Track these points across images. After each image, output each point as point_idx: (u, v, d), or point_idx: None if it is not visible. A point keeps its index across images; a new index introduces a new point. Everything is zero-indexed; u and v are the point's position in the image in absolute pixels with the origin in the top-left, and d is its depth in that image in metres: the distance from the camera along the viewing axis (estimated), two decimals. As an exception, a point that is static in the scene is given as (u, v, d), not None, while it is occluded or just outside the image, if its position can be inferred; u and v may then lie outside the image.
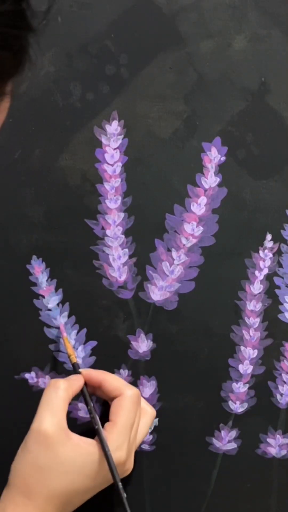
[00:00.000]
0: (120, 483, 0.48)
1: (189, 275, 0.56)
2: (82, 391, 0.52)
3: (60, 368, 0.56)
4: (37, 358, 0.56)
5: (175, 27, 0.55)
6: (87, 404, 0.51)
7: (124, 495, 0.48)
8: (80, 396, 0.52)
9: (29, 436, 0.48)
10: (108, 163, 0.56)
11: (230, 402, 0.56)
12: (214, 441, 0.56)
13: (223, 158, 0.56)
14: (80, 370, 0.53)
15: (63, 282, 0.56)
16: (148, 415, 0.54)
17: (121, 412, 0.50)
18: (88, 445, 0.48)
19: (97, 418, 0.50)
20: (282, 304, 0.56)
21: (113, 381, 0.52)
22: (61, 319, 0.56)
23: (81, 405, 0.56)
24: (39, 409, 0.49)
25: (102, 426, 0.50)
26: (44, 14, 0.33)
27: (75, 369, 0.53)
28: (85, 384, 0.52)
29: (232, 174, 0.56)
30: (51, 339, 0.56)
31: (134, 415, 0.50)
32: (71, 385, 0.51)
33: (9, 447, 0.55)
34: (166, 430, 0.56)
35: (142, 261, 0.56)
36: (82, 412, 0.56)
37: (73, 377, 0.52)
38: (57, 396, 0.49)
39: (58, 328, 0.56)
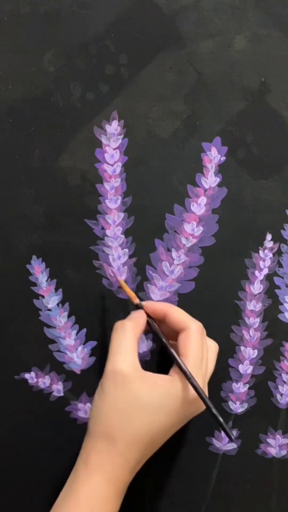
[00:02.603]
0: (212, 406, 0.48)
1: (189, 275, 0.56)
2: (149, 324, 0.51)
3: (60, 368, 0.56)
4: (37, 358, 0.56)
5: (175, 27, 0.55)
6: (159, 335, 0.51)
7: (220, 419, 0.48)
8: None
9: (104, 379, 0.48)
10: (108, 163, 0.56)
11: (230, 402, 0.56)
12: (214, 441, 0.56)
13: (223, 158, 0.56)
14: (142, 303, 0.52)
15: (63, 282, 0.56)
16: (212, 349, 0.53)
17: (190, 345, 0.49)
18: (164, 381, 0.48)
19: (173, 350, 0.49)
20: (282, 304, 0.56)
21: (178, 314, 0.51)
22: (62, 318, 0.56)
23: (80, 405, 0.56)
24: (111, 352, 0.48)
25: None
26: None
27: (137, 306, 0.53)
28: (151, 317, 0.52)
29: (232, 174, 0.56)
30: (51, 339, 0.56)
31: (202, 348, 0.50)
32: (137, 323, 0.50)
33: (9, 447, 0.55)
34: (166, 430, 0.56)
35: (142, 261, 0.56)
36: (82, 412, 0.56)
37: (135, 314, 0.52)
38: (126, 336, 0.49)
39: (55, 327, 0.56)
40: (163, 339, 0.50)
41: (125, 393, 0.47)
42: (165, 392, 0.47)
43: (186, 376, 0.48)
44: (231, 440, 0.47)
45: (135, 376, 0.47)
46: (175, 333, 0.51)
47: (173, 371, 0.49)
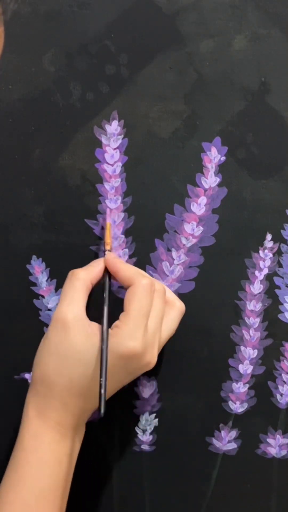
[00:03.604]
0: (104, 377, 0.45)
1: (189, 275, 0.56)
2: (103, 277, 0.51)
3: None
4: (37, 358, 0.56)
5: (175, 27, 0.55)
6: (104, 290, 0.50)
7: (103, 391, 0.45)
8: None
9: (49, 326, 0.49)
10: (108, 163, 0.56)
11: (230, 402, 0.56)
12: (214, 441, 0.56)
13: (223, 158, 0.56)
14: (107, 254, 0.52)
15: (63, 282, 0.56)
16: (175, 309, 0.52)
17: (132, 300, 0.48)
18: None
19: (107, 306, 0.49)
20: (282, 304, 0.56)
21: (127, 270, 0.50)
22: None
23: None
24: (59, 300, 0.49)
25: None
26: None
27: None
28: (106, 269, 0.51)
29: (232, 174, 0.55)
30: (51, 339, 0.56)
31: (147, 303, 0.48)
32: (90, 272, 0.50)
33: (8, 447, 0.55)
34: (166, 430, 0.56)
35: (142, 261, 0.56)
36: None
37: (94, 263, 0.52)
38: (74, 286, 0.49)
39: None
40: (105, 294, 0.50)
41: (64, 340, 0.47)
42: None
43: (102, 340, 0.47)
44: (99, 413, 0.45)
45: (75, 325, 0.47)
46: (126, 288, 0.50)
47: (117, 322, 0.48)
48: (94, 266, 0.51)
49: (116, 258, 0.52)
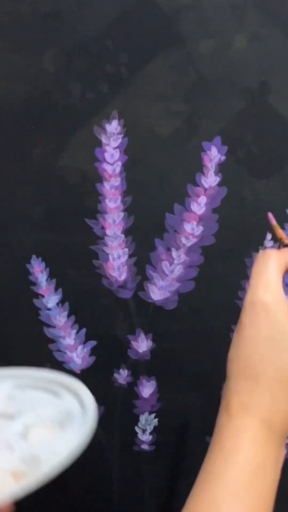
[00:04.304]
0: None
1: (189, 274, 0.56)
2: None
3: (60, 368, 0.56)
4: (36, 357, 0.56)
5: (175, 26, 0.55)
6: None
7: None
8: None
9: (243, 312, 0.42)
10: (108, 162, 0.55)
11: (230, 402, 0.56)
12: (214, 441, 0.56)
13: (223, 158, 0.56)
14: None
15: (62, 281, 0.56)
16: None
17: None
18: None
19: None
20: (282, 303, 0.56)
21: None
22: (61, 318, 0.56)
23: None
24: (251, 283, 0.42)
25: None
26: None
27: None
28: None
29: (232, 174, 0.55)
30: (50, 339, 0.56)
31: None
32: (284, 254, 0.44)
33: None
34: (166, 430, 0.56)
35: (142, 261, 0.56)
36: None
37: (285, 249, 0.45)
38: (268, 266, 0.43)
39: (55, 327, 0.56)
40: None
41: (267, 325, 0.41)
42: None
43: None
44: None
45: (278, 306, 0.41)
46: None
47: None
48: (285, 251, 0.45)
49: None
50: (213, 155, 0.56)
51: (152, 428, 0.56)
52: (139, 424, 0.56)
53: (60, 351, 0.56)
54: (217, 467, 0.40)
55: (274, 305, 0.41)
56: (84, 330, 0.56)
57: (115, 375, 0.56)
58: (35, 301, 0.56)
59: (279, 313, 0.41)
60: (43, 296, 0.56)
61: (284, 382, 0.40)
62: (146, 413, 0.56)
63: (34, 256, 0.56)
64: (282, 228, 0.56)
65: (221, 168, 0.56)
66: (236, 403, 0.41)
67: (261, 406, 0.40)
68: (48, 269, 0.56)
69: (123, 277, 0.56)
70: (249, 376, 0.41)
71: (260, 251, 0.46)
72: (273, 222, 0.49)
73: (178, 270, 0.56)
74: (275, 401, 0.40)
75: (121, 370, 0.56)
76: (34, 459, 0.39)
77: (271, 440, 0.40)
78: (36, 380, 0.44)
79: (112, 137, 0.55)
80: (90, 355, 0.56)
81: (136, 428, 0.56)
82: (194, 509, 0.40)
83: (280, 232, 0.48)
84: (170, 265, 0.56)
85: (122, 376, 0.56)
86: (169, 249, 0.56)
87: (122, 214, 0.56)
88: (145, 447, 0.56)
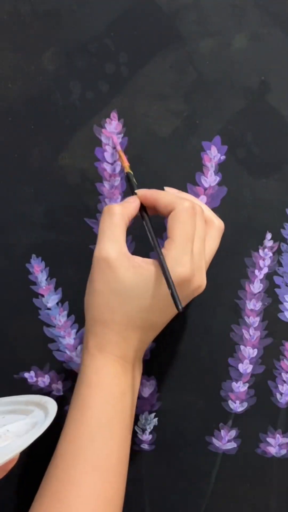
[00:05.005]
0: (173, 288, 0.45)
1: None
2: (140, 212, 0.50)
3: (60, 368, 0.56)
4: (36, 357, 0.56)
5: (175, 26, 0.55)
6: (144, 223, 0.49)
7: (176, 293, 0.45)
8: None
9: (92, 267, 0.48)
10: (107, 162, 0.55)
11: (230, 402, 0.56)
12: (214, 440, 0.56)
13: (223, 157, 0.56)
14: (135, 191, 0.50)
15: (62, 281, 0.56)
16: (215, 228, 0.51)
17: (176, 225, 0.47)
18: (148, 264, 0.47)
19: (154, 235, 0.48)
20: (282, 303, 0.56)
21: (167, 196, 0.49)
22: (61, 318, 0.56)
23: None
24: (98, 239, 0.48)
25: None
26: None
27: (131, 186, 0.51)
28: (143, 205, 0.50)
29: (232, 173, 0.55)
30: (50, 338, 0.56)
31: (191, 227, 0.47)
32: (126, 207, 0.49)
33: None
34: (166, 430, 0.56)
35: (142, 260, 0.56)
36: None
37: (129, 199, 0.50)
38: (113, 222, 0.48)
39: (54, 327, 0.56)
40: (147, 226, 0.49)
41: (111, 279, 0.47)
42: (152, 275, 0.46)
43: (161, 267, 0.46)
44: (177, 309, 0.45)
45: (120, 262, 0.46)
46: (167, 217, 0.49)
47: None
48: (129, 202, 0.50)
49: (149, 190, 0.50)
50: (213, 154, 0.56)
51: (152, 428, 0.56)
52: (138, 423, 0.56)
53: (60, 350, 0.56)
54: (86, 401, 0.48)
55: (117, 261, 0.46)
56: (83, 330, 0.56)
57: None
58: (34, 300, 0.56)
59: (122, 269, 0.46)
60: (43, 296, 0.56)
61: (130, 325, 0.47)
62: (146, 413, 0.56)
63: (34, 256, 0.56)
64: (282, 228, 0.56)
65: (221, 168, 0.56)
66: (93, 344, 0.48)
67: (114, 346, 0.48)
68: (48, 268, 0.56)
69: (123, 276, 0.56)
70: (101, 322, 0.48)
71: (106, 206, 0.49)
72: (118, 147, 0.53)
73: (178, 269, 0.56)
74: (124, 340, 0.48)
75: (121, 370, 0.56)
76: None
77: (128, 371, 0.49)
78: (14, 404, 0.47)
79: (112, 137, 0.55)
80: (90, 354, 0.56)
81: (135, 427, 0.56)
82: (71, 440, 0.47)
83: (124, 158, 0.52)
84: (170, 265, 0.56)
85: (122, 375, 0.56)
86: (169, 249, 0.56)
87: (122, 213, 0.56)
88: (144, 446, 0.56)
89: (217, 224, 0.51)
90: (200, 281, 0.48)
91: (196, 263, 0.47)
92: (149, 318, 0.48)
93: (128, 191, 0.56)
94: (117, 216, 0.48)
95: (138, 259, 0.47)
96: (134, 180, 0.52)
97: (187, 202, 0.48)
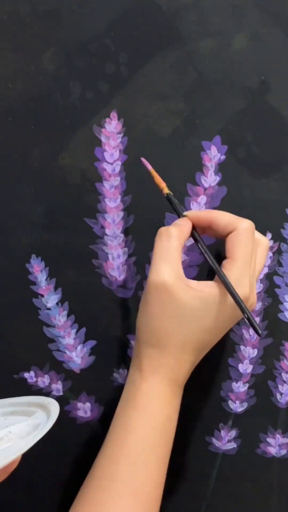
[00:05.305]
0: (249, 313, 0.47)
1: (189, 274, 0.56)
2: (192, 234, 0.50)
3: (60, 368, 0.56)
4: (36, 357, 0.56)
5: (175, 25, 0.55)
6: (200, 246, 0.49)
7: (256, 321, 0.47)
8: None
9: (148, 290, 0.47)
10: (107, 162, 0.55)
11: (230, 402, 0.56)
12: (214, 440, 0.56)
13: (223, 157, 0.56)
14: (185, 213, 0.50)
15: (62, 281, 0.56)
16: (263, 246, 0.51)
17: (238, 247, 0.47)
18: (209, 287, 0.47)
19: (212, 257, 0.49)
20: (282, 303, 0.56)
21: (224, 217, 0.49)
22: (61, 318, 0.56)
23: (80, 404, 0.56)
24: (154, 261, 0.47)
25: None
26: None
27: (175, 208, 0.51)
28: (193, 227, 0.50)
29: (232, 173, 0.55)
30: (50, 338, 0.56)
31: (251, 248, 0.48)
32: (182, 231, 0.49)
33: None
34: (166, 430, 0.56)
35: (142, 260, 0.56)
36: (81, 411, 0.56)
37: (181, 221, 0.50)
38: (171, 245, 0.47)
39: (54, 327, 0.56)
40: (203, 248, 0.49)
41: (169, 304, 0.46)
42: (212, 299, 0.46)
43: (225, 286, 0.46)
44: (258, 334, 0.47)
45: (178, 287, 0.46)
46: (224, 238, 0.49)
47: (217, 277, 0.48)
48: (182, 225, 0.49)
49: (201, 211, 0.51)
50: (213, 154, 0.55)
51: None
52: (138, 423, 0.56)
53: (59, 350, 0.56)
54: (133, 423, 0.47)
55: (175, 286, 0.46)
56: (83, 329, 0.56)
57: (115, 374, 0.56)
58: (34, 300, 0.56)
59: (180, 293, 0.46)
60: (42, 296, 0.56)
61: (185, 348, 0.47)
62: (146, 413, 0.56)
63: (33, 256, 0.56)
64: (282, 228, 0.56)
65: (221, 168, 0.56)
66: (147, 366, 0.48)
67: (168, 369, 0.48)
68: (47, 268, 0.56)
69: (122, 276, 0.56)
70: (156, 345, 0.47)
71: (162, 228, 0.49)
72: (149, 167, 0.52)
73: (178, 269, 0.56)
74: (178, 363, 0.48)
75: (120, 370, 0.56)
76: None
77: (177, 394, 0.49)
78: (16, 406, 0.47)
79: (111, 137, 0.55)
80: (90, 354, 0.56)
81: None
82: (111, 460, 0.47)
83: (159, 179, 0.51)
84: (170, 265, 0.56)
85: (122, 375, 0.56)
86: (169, 249, 0.56)
87: (121, 213, 0.56)
88: (144, 446, 0.56)
89: (265, 243, 0.51)
90: (253, 300, 0.49)
91: (253, 282, 0.48)
92: (206, 339, 0.48)
93: (128, 191, 0.56)
94: (174, 238, 0.48)
95: (195, 283, 0.47)
96: (176, 200, 0.51)
97: (246, 222, 0.48)
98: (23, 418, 0.47)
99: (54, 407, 0.44)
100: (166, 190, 0.51)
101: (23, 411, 0.48)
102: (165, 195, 0.51)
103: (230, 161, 0.56)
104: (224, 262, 0.48)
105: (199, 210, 0.51)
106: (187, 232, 0.49)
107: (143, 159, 0.52)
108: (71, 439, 0.56)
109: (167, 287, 0.46)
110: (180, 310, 0.46)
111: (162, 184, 0.51)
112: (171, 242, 0.47)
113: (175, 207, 0.51)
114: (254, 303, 0.49)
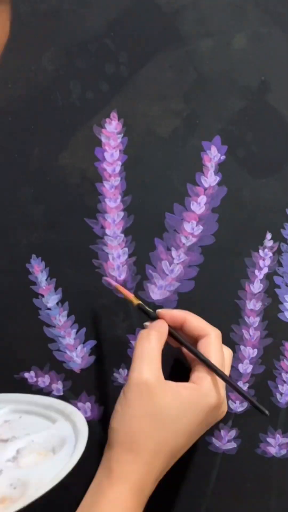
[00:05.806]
0: (253, 400, 0.49)
1: (189, 274, 0.56)
2: (170, 333, 0.51)
3: (60, 368, 0.56)
4: (36, 357, 0.56)
5: (174, 25, 0.55)
6: (181, 343, 0.51)
7: (254, 398, 0.48)
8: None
9: (128, 388, 0.48)
10: (107, 162, 0.55)
11: (230, 402, 0.56)
12: (214, 440, 0.56)
13: (223, 157, 0.56)
14: (158, 311, 0.52)
15: (62, 281, 0.56)
16: (228, 355, 0.52)
17: (211, 351, 0.49)
18: (187, 390, 0.48)
19: (195, 348, 0.50)
20: (282, 303, 0.56)
21: (197, 321, 0.51)
22: (61, 318, 0.56)
23: (80, 404, 0.56)
24: (136, 361, 0.48)
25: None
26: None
27: (148, 314, 0.52)
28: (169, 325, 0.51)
29: (232, 173, 0.55)
30: (50, 338, 0.56)
31: (222, 355, 0.50)
32: (161, 332, 0.50)
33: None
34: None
35: (142, 260, 0.56)
36: (81, 411, 0.56)
37: (157, 323, 0.51)
38: (151, 346, 0.49)
39: (54, 327, 0.56)
40: (187, 344, 0.51)
41: (149, 404, 0.47)
42: (189, 401, 0.47)
43: (217, 373, 0.48)
44: (265, 414, 0.48)
45: (159, 387, 0.47)
46: (192, 340, 0.51)
47: (194, 378, 0.49)
48: (160, 326, 0.51)
49: (173, 311, 0.52)
50: (213, 154, 0.55)
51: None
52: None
53: (60, 350, 0.56)
54: None
55: (156, 386, 0.47)
56: (84, 329, 0.56)
57: (115, 374, 0.56)
58: (35, 300, 0.56)
59: (160, 393, 0.47)
60: (43, 296, 0.56)
61: (159, 453, 0.46)
62: (146, 413, 0.56)
63: (34, 256, 0.56)
64: (282, 228, 0.56)
65: (221, 168, 0.56)
66: (117, 472, 0.46)
67: (139, 477, 0.46)
68: (48, 268, 0.56)
69: (122, 276, 0.56)
70: (132, 450, 0.46)
71: (143, 331, 0.50)
72: (113, 283, 0.54)
73: (177, 269, 0.56)
74: (150, 470, 0.46)
75: (121, 370, 0.56)
76: (22, 483, 0.40)
77: (141, 505, 0.47)
78: (32, 405, 0.46)
79: (112, 137, 0.55)
80: (90, 354, 0.56)
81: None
82: None
83: (126, 292, 0.53)
84: (170, 265, 0.56)
85: (122, 375, 0.56)
86: (168, 249, 0.56)
87: (121, 213, 0.56)
88: (145, 446, 0.56)
89: (229, 354, 0.53)
90: (225, 407, 0.51)
91: (224, 389, 0.50)
92: (179, 444, 0.48)
93: (128, 191, 0.56)
94: (154, 341, 0.49)
95: (174, 384, 0.48)
96: (147, 307, 0.52)
97: (217, 330, 0.51)
98: (42, 423, 0.45)
99: (79, 420, 0.43)
100: (135, 301, 0.53)
101: (40, 413, 0.47)
102: (136, 305, 0.52)
103: (230, 161, 0.56)
104: (197, 367, 0.50)
105: (173, 310, 0.52)
106: (165, 333, 0.51)
107: (107, 278, 0.55)
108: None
109: (148, 385, 0.47)
110: (159, 410, 0.46)
111: (130, 296, 0.53)
112: (152, 344, 0.49)
113: (148, 314, 0.52)
114: (225, 411, 0.51)
